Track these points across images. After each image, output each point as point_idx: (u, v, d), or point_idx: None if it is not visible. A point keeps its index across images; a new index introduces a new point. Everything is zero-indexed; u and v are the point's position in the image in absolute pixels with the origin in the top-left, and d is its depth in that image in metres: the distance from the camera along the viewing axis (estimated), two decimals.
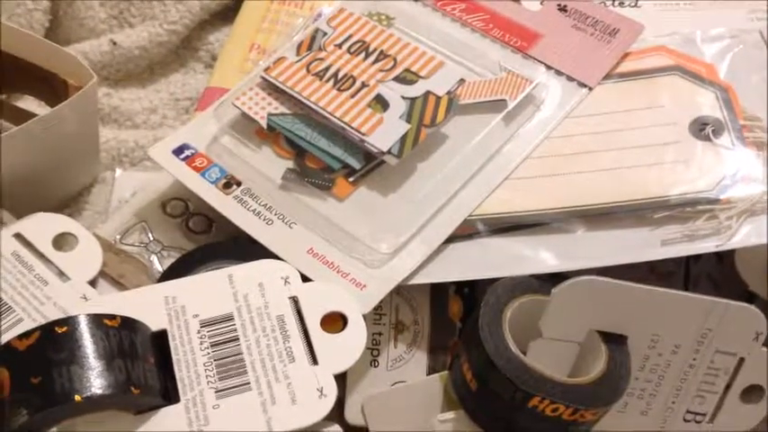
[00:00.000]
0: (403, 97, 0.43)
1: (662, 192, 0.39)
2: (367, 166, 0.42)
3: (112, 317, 0.34)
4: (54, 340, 0.33)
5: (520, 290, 0.37)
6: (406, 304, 0.41)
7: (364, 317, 0.37)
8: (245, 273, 0.38)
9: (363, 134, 0.41)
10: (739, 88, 0.43)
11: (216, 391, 0.35)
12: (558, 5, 0.47)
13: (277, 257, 0.40)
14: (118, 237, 0.44)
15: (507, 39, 0.46)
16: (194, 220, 0.45)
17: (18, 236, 0.42)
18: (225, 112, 0.44)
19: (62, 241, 0.42)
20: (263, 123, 0.43)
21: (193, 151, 0.44)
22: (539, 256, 0.39)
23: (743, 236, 0.38)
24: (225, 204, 0.42)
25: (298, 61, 0.44)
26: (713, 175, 0.40)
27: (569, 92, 0.44)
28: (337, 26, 0.46)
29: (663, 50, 0.45)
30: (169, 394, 0.35)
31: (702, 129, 0.42)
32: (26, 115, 0.48)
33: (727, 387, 0.37)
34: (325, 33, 0.46)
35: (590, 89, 0.44)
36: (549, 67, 0.45)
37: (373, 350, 0.40)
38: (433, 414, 0.37)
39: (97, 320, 0.34)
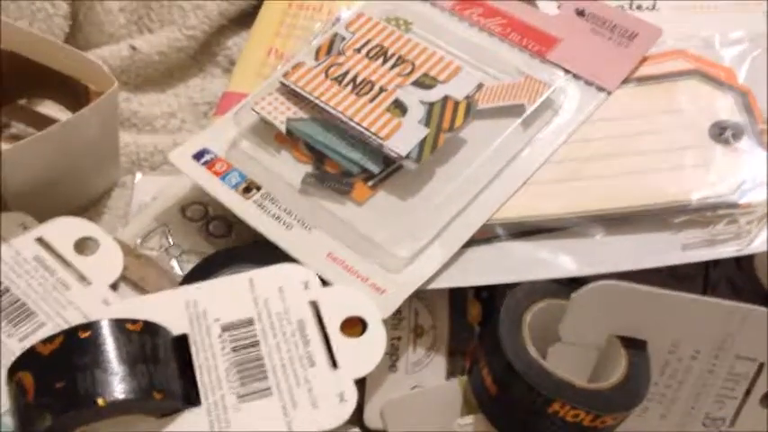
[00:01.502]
0: (421, 102, 0.43)
1: (682, 196, 0.39)
2: (386, 170, 0.42)
3: (135, 321, 0.35)
4: (77, 345, 0.33)
5: (539, 294, 0.37)
6: (425, 308, 0.41)
7: (384, 321, 0.38)
8: (265, 277, 0.39)
9: (382, 138, 0.41)
10: (758, 92, 0.43)
11: (237, 396, 0.35)
12: (576, 9, 0.47)
13: (297, 262, 0.40)
14: (138, 241, 0.45)
15: (525, 43, 0.47)
16: (214, 224, 0.45)
17: (40, 240, 0.42)
18: (244, 116, 0.44)
19: (83, 245, 0.43)
20: (283, 128, 0.43)
21: (213, 156, 0.44)
22: (558, 260, 0.39)
23: (763, 240, 0.38)
24: (244, 209, 0.42)
25: (316, 66, 0.44)
26: (733, 180, 0.40)
27: (588, 96, 0.44)
28: (356, 31, 0.46)
29: (682, 54, 0.45)
30: (191, 398, 0.35)
31: (722, 133, 0.41)
32: (47, 120, 0.49)
33: (747, 392, 0.37)
34: (343, 38, 0.46)
35: (609, 93, 0.44)
36: (567, 72, 0.45)
37: (392, 354, 0.41)
38: (453, 418, 0.37)
39: (120, 325, 0.34)
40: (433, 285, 0.39)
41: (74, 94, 0.45)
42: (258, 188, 0.43)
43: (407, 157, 0.41)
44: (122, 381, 0.32)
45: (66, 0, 0.54)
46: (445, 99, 0.43)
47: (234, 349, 0.36)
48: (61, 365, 0.32)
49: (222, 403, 0.35)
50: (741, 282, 0.43)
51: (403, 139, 0.41)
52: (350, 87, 0.43)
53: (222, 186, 0.43)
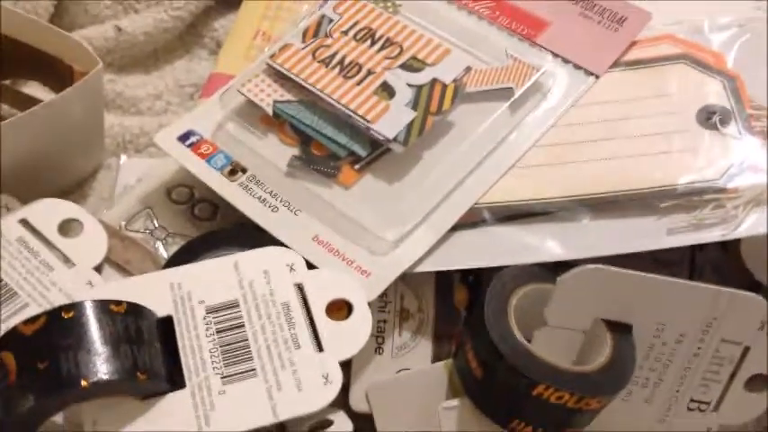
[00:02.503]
0: (409, 85, 0.42)
1: (668, 180, 0.39)
2: (373, 153, 0.42)
3: (119, 303, 0.34)
4: (61, 325, 0.33)
5: (525, 278, 0.37)
6: (411, 292, 0.41)
7: (369, 304, 0.38)
8: (251, 260, 0.38)
9: (369, 121, 0.41)
10: (747, 77, 0.43)
11: (221, 377, 0.35)
12: None
13: (282, 244, 0.40)
14: (123, 223, 0.44)
15: (514, 26, 0.46)
16: (200, 206, 0.45)
17: (24, 221, 0.42)
18: (230, 98, 0.44)
19: (67, 227, 0.43)
20: (269, 110, 0.43)
21: (199, 138, 0.44)
22: (544, 244, 0.39)
23: (749, 225, 0.38)
24: (230, 191, 0.42)
25: (303, 48, 0.44)
26: (720, 165, 0.40)
27: (576, 80, 0.44)
28: (343, 13, 0.46)
29: (671, 39, 0.45)
30: (175, 380, 0.35)
31: (710, 118, 0.41)
32: (31, 101, 0.48)
33: (732, 376, 0.37)
34: (331, 20, 0.45)
35: (597, 77, 0.44)
36: (555, 56, 0.45)
37: (378, 337, 0.41)
38: (438, 401, 0.37)
39: (104, 306, 0.34)
40: (420, 269, 0.39)
41: (58, 74, 0.45)
42: (244, 170, 0.42)
43: (394, 140, 0.41)
44: (106, 362, 0.32)
45: None
46: (433, 82, 0.43)
47: (218, 331, 0.36)
48: (44, 346, 0.32)
49: (206, 385, 0.35)
50: (727, 267, 0.43)
51: (390, 122, 0.41)
52: (337, 70, 0.43)
53: (208, 168, 0.42)
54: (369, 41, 0.44)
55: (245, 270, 0.38)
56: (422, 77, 0.43)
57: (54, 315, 0.33)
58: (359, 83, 0.43)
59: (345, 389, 0.39)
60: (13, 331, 0.33)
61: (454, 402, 0.37)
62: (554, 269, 0.37)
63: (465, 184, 0.41)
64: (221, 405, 0.34)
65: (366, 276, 0.39)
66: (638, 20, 0.46)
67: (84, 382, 0.32)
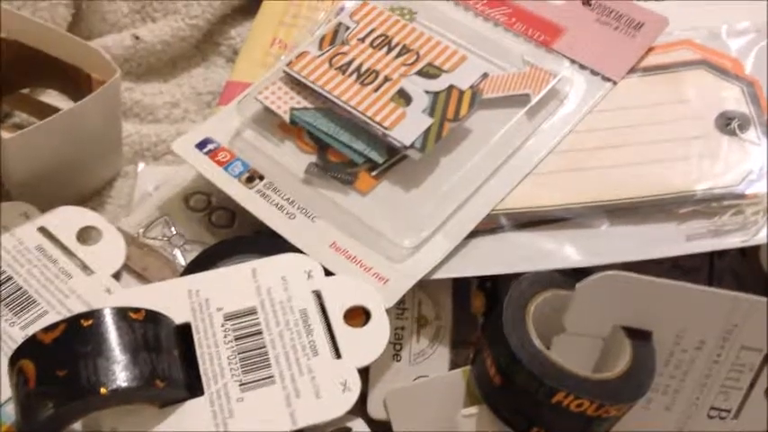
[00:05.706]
0: (426, 91, 0.42)
1: (687, 186, 0.39)
2: (390, 160, 0.42)
3: (137, 310, 0.34)
4: (80, 333, 0.33)
5: (543, 285, 0.37)
6: (428, 299, 0.41)
7: (387, 311, 0.37)
8: (268, 266, 0.39)
9: (386, 128, 0.41)
10: (765, 83, 0.42)
11: (240, 385, 0.35)
12: None
13: (300, 251, 0.40)
14: (141, 230, 0.44)
15: (530, 33, 0.46)
16: (217, 214, 0.45)
17: (42, 229, 0.42)
18: (248, 106, 0.44)
19: (86, 235, 0.43)
20: (286, 118, 0.43)
21: (216, 145, 0.44)
22: (563, 250, 0.39)
23: None
24: (248, 198, 0.42)
25: (320, 55, 0.44)
26: (739, 170, 0.39)
27: (593, 86, 0.44)
28: (360, 20, 0.46)
29: (688, 44, 0.44)
30: (193, 387, 0.35)
31: (728, 123, 0.41)
32: (49, 109, 0.49)
33: (752, 383, 0.37)
34: (347, 27, 0.45)
35: (614, 83, 0.44)
36: (572, 62, 0.45)
37: (396, 344, 0.40)
38: (456, 409, 0.37)
39: (122, 313, 0.34)
40: (437, 275, 0.39)
41: (76, 83, 0.45)
42: (261, 178, 0.42)
43: (411, 146, 0.41)
44: (125, 369, 0.32)
45: None
46: (450, 89, 0.43)
47: (236, 338, 0.36)
48: (63, 353, 0.32)
49: (225, 392, 0.35)
50: (746, 273, 0.43)
51: (407, 128, 0.41)
52: (354, 77, 0.43)
53: (225, 176, 0.43)
54: (385, 48, 0.44)
55: (263, 277, 0.38)
56: (438, 84, 0.43)
57: (73, 323, 0.33)
58: (376, 90, 0.43)
59: (363, 396, 0.39)
60: (33, 339, 0.33)
61: (473, 410, 0.37)
62: (572, 275, 0.37)
63: (482, 191, 0.41)
64: (240, 412, 0.34)
65: (383, 283, 0.39)
66: (655, 25, 0.45)
67: (103, 390, 0.32)
